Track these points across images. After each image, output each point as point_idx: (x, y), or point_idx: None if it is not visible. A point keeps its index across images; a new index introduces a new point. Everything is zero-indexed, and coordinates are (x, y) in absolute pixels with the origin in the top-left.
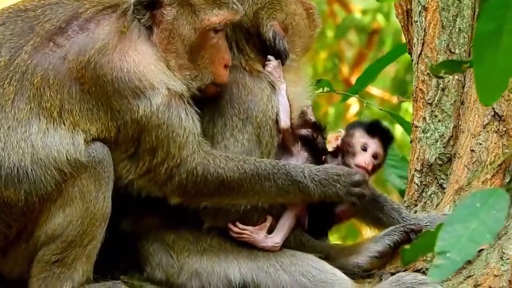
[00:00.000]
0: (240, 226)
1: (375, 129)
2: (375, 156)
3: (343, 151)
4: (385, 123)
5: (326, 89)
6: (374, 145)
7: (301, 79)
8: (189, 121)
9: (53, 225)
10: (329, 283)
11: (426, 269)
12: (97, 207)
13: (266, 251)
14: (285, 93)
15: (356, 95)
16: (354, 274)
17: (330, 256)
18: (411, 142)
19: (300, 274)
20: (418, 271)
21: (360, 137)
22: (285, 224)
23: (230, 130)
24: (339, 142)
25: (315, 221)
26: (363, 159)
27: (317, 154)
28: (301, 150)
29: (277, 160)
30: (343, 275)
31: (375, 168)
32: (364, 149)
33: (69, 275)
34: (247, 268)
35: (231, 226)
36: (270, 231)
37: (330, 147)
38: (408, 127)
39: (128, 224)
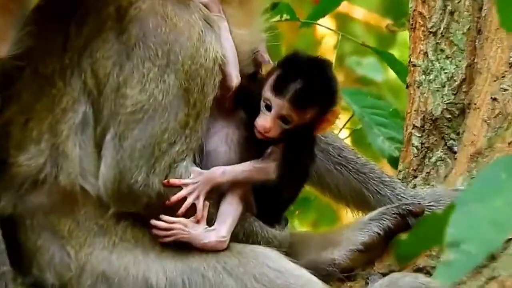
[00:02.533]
0: (167, 218)
1: (289, 75)
2: (283, 117)
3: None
4: (324, 58)
5: (285, 16)
6: (277, 104)
7: (249, 14)
8: None
9: None
10: None
11: (432, 267)
12: None
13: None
14: (229, 34)
15: (325, 25)
16: (329, 275)
17: (294, 250)
18: (407, 87)
19: (252, 277)
20: (419, 270)
21: (266, 88)
22: (229, 209)
23: (137, 77)
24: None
25: (264, 202)
26: (261, 121)
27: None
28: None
29: None
30: (312, 277)
31: (287, 133)
32: (268, 106)
33: None
34: (176, 270)
35: (154, 222)
36: (209, 221)
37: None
38: (401, 69)
39: (6, 205)
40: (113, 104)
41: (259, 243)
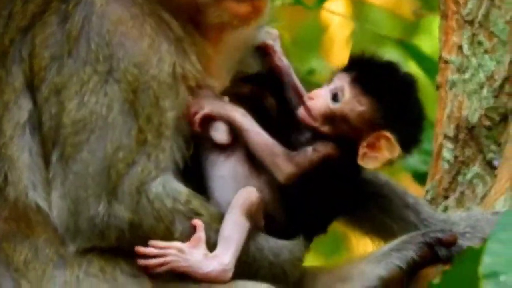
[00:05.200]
0: (158, 243)
1: (363, 61)
2: (333, 92)
3: None
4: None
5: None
6: (339, 78)
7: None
8: None
9: None
10: None
11: None
12: None
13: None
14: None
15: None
16: None
17: (301, 284)
18: (437, 89)
19: None
20: None
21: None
22: (234, 230)
23: (77, 85)
24: None
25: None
26: (311, 93)
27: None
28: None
29: None
30: None
31: (336, 119)
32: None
33: None
34: None
35: (141, 249)
36: (209, 245)
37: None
38: (429, 64)
39: None
40: (54, 112)
41: (267, 258)
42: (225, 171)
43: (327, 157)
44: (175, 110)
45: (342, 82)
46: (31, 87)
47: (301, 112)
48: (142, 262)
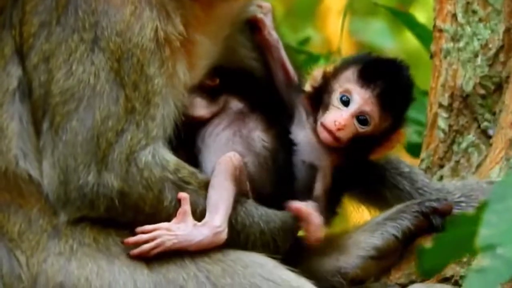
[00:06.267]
0: (144, 227)
1: (376, 69)
2: (360, 116)
3: (320, 99)
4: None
5: None
6: (361, 99)
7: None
8: None
9: None
10: None
11: (461, 277)
12: None
13: (189, 254)
14: None
15: None
16: (334, 287)
17: (292, 257)
18: (431, 57)
19: None
20: (446, 280)
21: (345, 80)
22: (220, 195)
23: (64, 53)
24: (318, 81)
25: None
26: (334, 117)
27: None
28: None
29: None
30: None
31: (360, 138)
32: (345, 100)
33: None
34: (149, 282)
35: (130, 239)
36: (201, 214)
37: (306, 87)
38: (424, 34)
39: None
40: (42, 80)
41: (257, 225)
42: (211, 142)
43: (336, 167)
44: (162, 77)
45: (370, 106)
46: (21, 54)
47: (326, 138)
48: (135, 251)
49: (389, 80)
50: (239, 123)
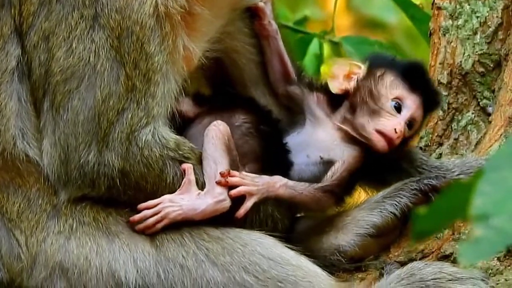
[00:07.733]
0: (147, 203)
1: (419, 76)
2: (410, 122)
3: (357, 103)
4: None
5: None
6: (413, 104)
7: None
8: None
9: None
10: (289, 281)
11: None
12: None
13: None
14: None
15: None
16: (333, 265)
17: (291, 236)
18: (429, 36)
19: (241, 268)
20: (445, 258)
21: (393, 86)
22: (215, 163)
23: (64, 31)
24: (352, 84)
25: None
26: (393, 124)
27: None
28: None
29: None
30: (315, 267)
31: (406, 141)
32: (398, 107)
33: None
34: (149, 260)
35: (135, 217)
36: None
37: (334, 89)
38: (418, 15)
39: None
40: (42, 59)
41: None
42: (194, 131)
43: (358, 164)
44: (162, 54)
45: (419, 111)
46: (20, 33)
47: (384, 146)
48: (140, 226)
49: (426, 85)
50: (222, 115)
